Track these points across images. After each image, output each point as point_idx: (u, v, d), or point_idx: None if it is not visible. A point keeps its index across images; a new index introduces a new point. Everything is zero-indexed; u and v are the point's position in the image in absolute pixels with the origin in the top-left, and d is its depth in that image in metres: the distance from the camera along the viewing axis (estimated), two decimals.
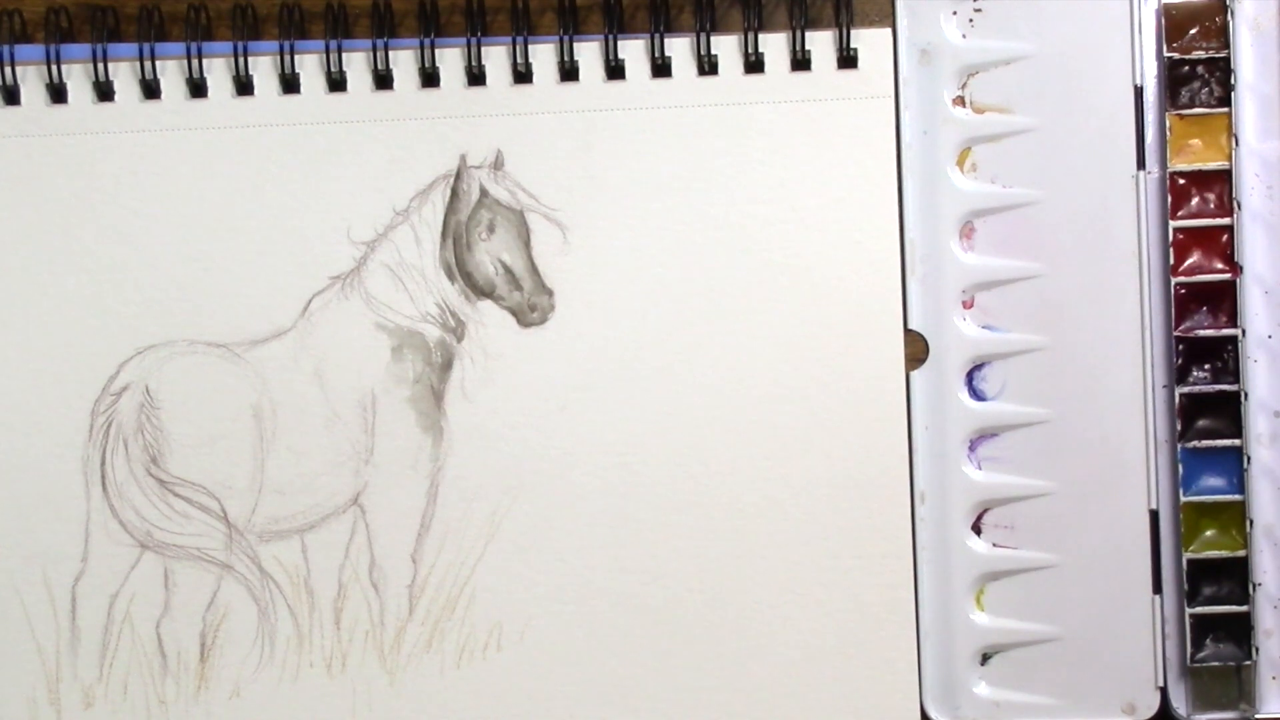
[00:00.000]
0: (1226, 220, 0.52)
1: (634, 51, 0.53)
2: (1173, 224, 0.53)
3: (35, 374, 0.53)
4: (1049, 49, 0.53)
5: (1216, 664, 0.53)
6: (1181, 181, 0.53)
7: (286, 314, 0.53)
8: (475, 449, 0.53)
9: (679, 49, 0.53)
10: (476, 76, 0.53)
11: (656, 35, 0.53)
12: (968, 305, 0.53)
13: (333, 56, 0.53)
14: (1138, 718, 0.53)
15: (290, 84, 0.53)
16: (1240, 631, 0.53)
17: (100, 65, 0.53)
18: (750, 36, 0.53)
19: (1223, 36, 0.52)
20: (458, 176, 0.53)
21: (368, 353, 0.53)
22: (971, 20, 0.53)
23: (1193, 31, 0.53)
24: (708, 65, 0.53)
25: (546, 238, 0.53)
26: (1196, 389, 0.53)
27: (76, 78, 0.53)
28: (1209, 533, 0.53)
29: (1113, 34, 0.53)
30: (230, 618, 0.53)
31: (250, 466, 0.53)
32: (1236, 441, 0.52)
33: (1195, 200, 0.53)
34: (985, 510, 0.53)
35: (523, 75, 0.53)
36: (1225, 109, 0.52)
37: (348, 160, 0.53)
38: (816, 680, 0.53)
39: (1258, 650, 0.53)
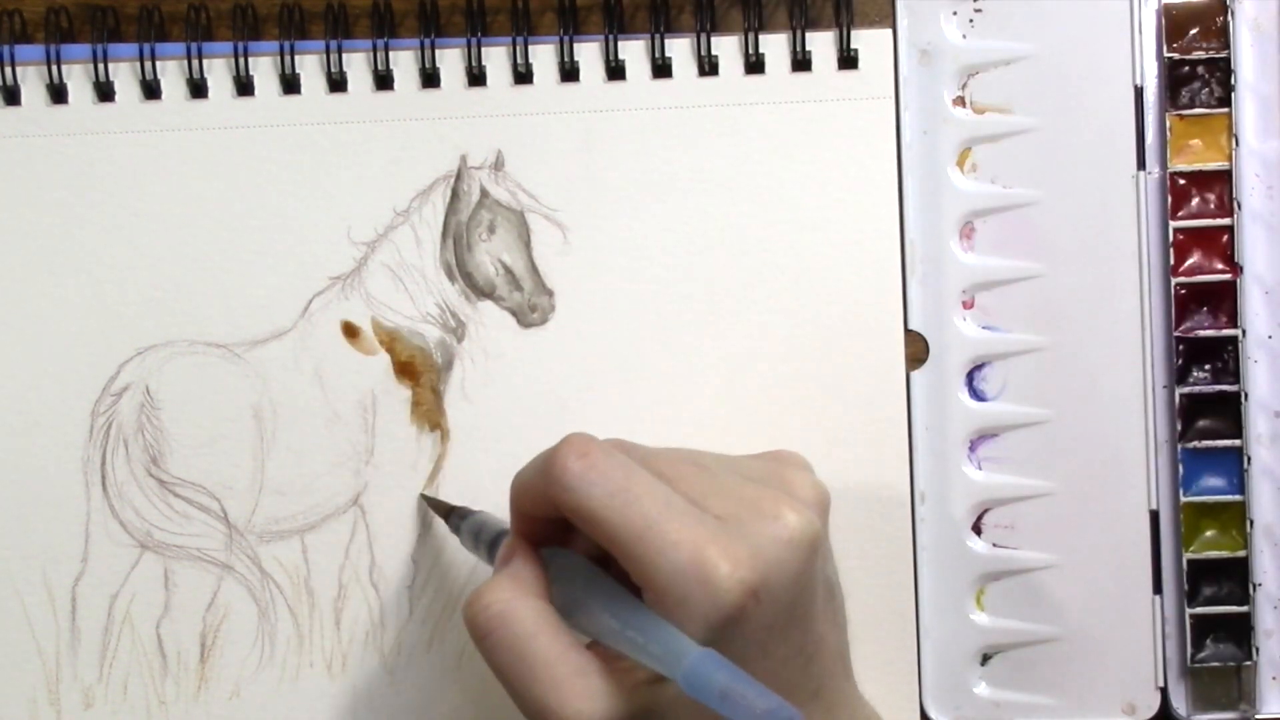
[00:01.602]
0: (1226, 220, 0.53)
1: (634, 52, 0.53)
2: (1173, 224, 0.53)
3: (35, 374, 0.53)
4: (1049, 49, 0.53)
5: (1217, 664, 0.53)
6: (1181, 182, 0.53)
7: (286, 314, 0.53)
8: (475, 449, 0.53)
9: (679, 49, 0.53)
10: (477, 77, 0.53)
11: (657, 36, 0.53)
12: (968, 305, 0.54)
13: (333, 57, 0.53)
14: (1138, 718, 0.53)
15: (290, 84, 0.53)
16: (1240, 632, 0.53)
17: (100, 65, 0.53)
18: (750, 37, 0.53)
19: (1223, 37, 0.52)
20: (458, 177, 0.53)
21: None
22: (971, 20, 0.53)
23: (1193, 32, 0.53)
24: (708, 66, 0.53)
25: (546, 238, 0.53)
26: (1196, 389, 0.53)
27: (77, 78, 0.53)
28: (1209, 533, 0.53)
29: (1113, 34, 0.53)
30: (230, 618, 0.53)
31: (250, 467, 0.53)
32: (1237, 442, 0.52)
33: (1195, 200, 0.53)
34: (985, 510, 0.53)
35: (523, 75, 0.53)
36: (1225, 109, 0.52)
37: (348, 160, 0.53)
38: None
39: (1258, 650, 0.53)
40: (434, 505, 0.52)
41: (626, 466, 0.41)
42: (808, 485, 0.43)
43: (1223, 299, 0.53)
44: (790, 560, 0.41)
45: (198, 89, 0.53)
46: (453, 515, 0.51)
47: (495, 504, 0.53)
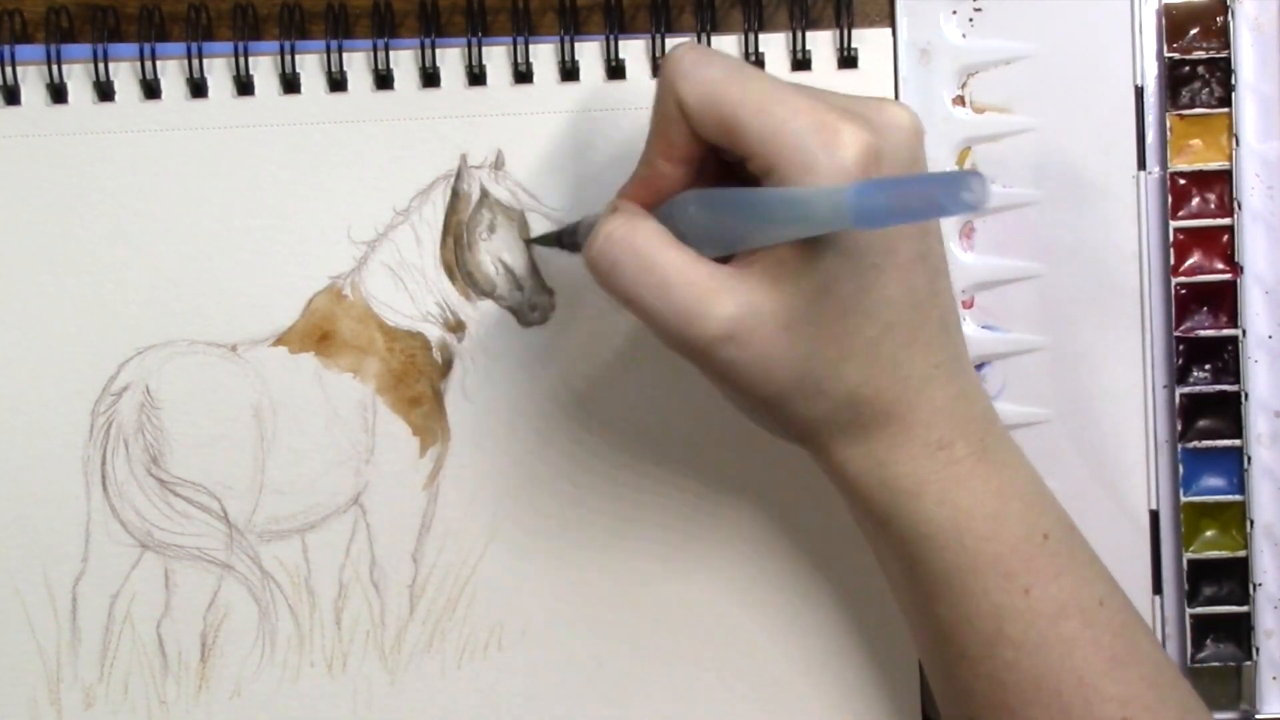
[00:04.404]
0: (1227, 220, 0.53)
1: (634, 52, 0.53)
2: (1173, 224, 0.53)
3: (35, 374, 0.53)
4: (1049, 49, 0.53)
5: (1217, 664, 0.53)
6: (1182, 182, 0.53)
7: (286, 314, 0.53)
8: (475, 449, 0.53)
9: None
10: (477, 76, 0.53)
11: (657, 35, 0.53)
12: (968, 305, 0.53)
13: (333, 56, 0.53)
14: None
15: (290, 84, 0.53)
16: (1240, 632, 0.53)
17: (100, 65, 0.53)
18: (750, 37, 0.53)
19: (1223, 37, 0.52)
20: (458, 176, 0.53)
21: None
22: (971, 20, 0.53)
23: (1193, 32, 0.53)
24: None
25: None
26: (1197, 389, 0.53)
27: (77, 78, 0.53)
28: (1209, 533, 0.53)
29: (1113, 34, 0.53)
30: (231, 618, 0.53)
31: (251, 466, 0.53)
32: (1237, 442, 0.52)
33: (1195, 200, 0.53)
34: None
35: (523, 75, 0.53)
36: (1225, 109, 0.52)
37: (348, 160, 0.53)
38: (817, 680, 0.53)
39: (1258, 650, 0.53)
40: (544, 240, 0.52)
41: (738, 60, 0.42)
42: None
43: (1223, 299, 0.53)
44: (905, 141, 0.42)
45: (198, 89, 0.53)
46: (564, 234, 0.50)
47: (496, 504, 0.53)
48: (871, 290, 0.41)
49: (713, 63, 0.41)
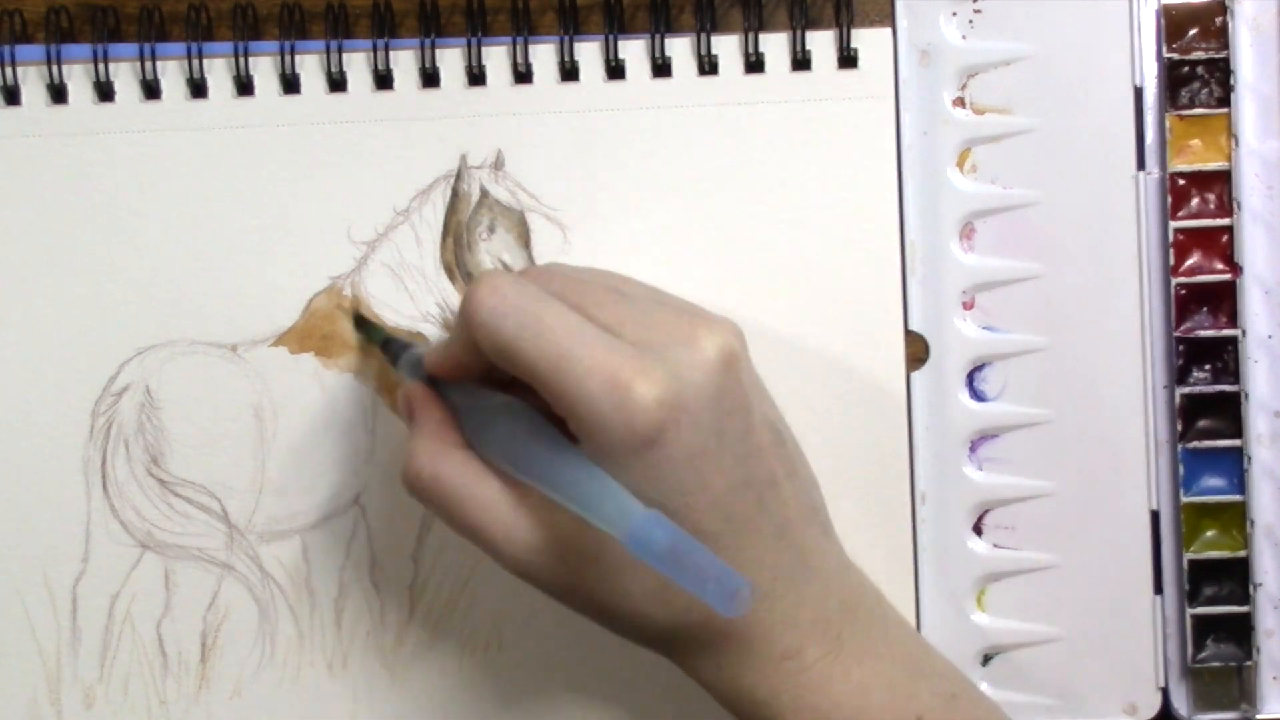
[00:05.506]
0: (1226, 221, 0.53)
1: (634, 51, 0.53)
2: (1173, 224, 0.53)
3: (35, 374, 0.53)
4: (1049, 49, 0.53)
5: (1217, 664, 0.53)
6: (1181, 182, 0.53)
7: (286, 314, 0.53)
8: None
9: (679, 49, 0.53)
10: (477, 76, 0.53)
11: (657, 35, 0.53)
12: (968, 306, 0.53)
13: (333, 56, 0.53)
14: (1139, 718, 0.53)
15: (290, 84, 0.53)
16: (1241, 632, 0.53)
17: (101, 65, 0.53)
18: (750, 36, 0.53)
19: (1222, 37, 0.52)
20: (458, 176, 0.53)
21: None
22: (971, 21, 0.53)
23: (1192, 32, 0.53)
24: (708, 65, 0.53)
25: (547, 238, 0.53)
26: (1197, 389, 0.53)
27: (77, 78, 0.53)
28: (1210, 533, 0.53)
29: (1113, 34, 0.53)
30: (231, 618, 0.53)
31: (251, 466, 0.53)
32: (1237, 442, 0.52)
33: (1195, 201, 0.53)
34: (986, 511, 0.53)
35: (523, 75, 0.53)
36: (1225, 109, 0.52)
37: (348, 160, 0.53)
38: None
39: (1258, 650, 0.53)
40: (367, 330, 0.52)
41: (538, 299, 0.41)
42: (722, 317, 0.43)
43: (1223, 299, 0.53)
44: (707, 380, 0.41)
45: (198, 89, 0.53)
46: (390, 344, 0.51)
47: None
48: (683, 524, 0.40)
49: (507, 315, 0.41)
